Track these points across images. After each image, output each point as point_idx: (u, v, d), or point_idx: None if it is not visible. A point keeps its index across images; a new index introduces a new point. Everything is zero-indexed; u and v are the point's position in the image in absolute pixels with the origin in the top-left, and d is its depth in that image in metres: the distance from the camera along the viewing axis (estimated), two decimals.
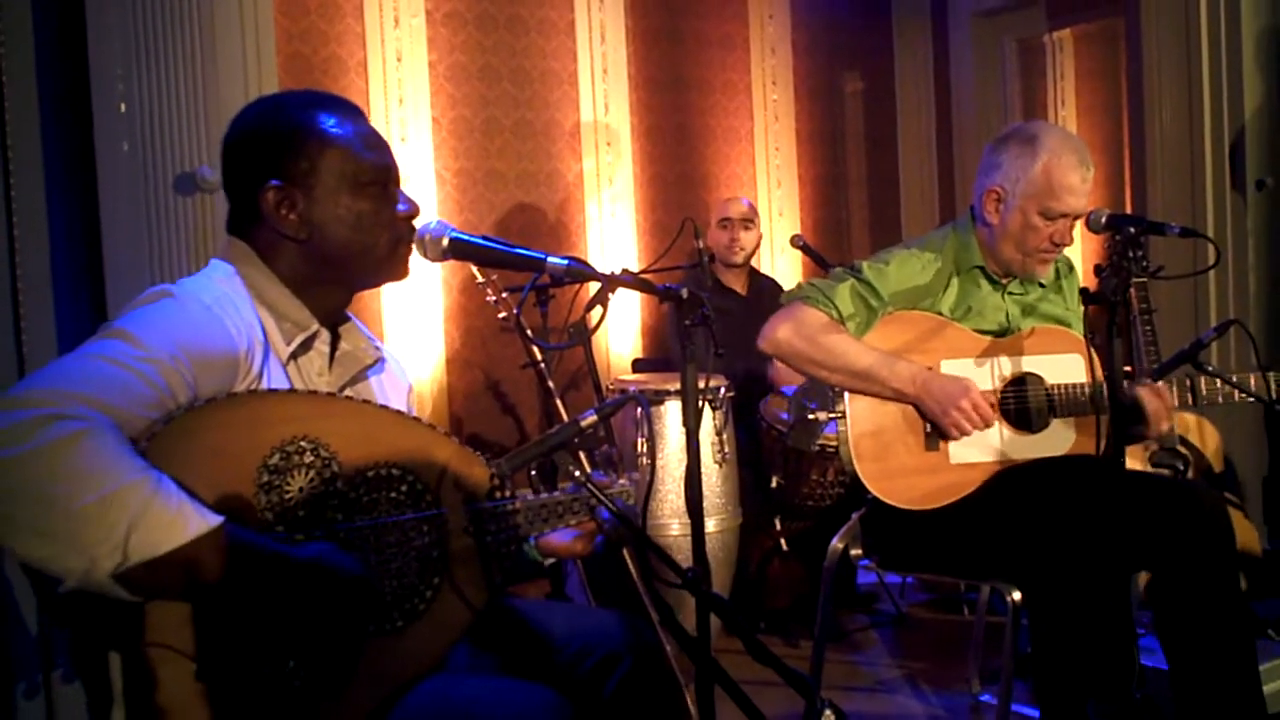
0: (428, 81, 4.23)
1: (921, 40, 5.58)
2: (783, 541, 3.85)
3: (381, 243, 1.68)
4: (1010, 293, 2.68)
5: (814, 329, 2.53)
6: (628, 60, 4.75)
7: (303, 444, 1.48)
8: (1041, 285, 2.72)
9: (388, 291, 4.11)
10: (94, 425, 1.29)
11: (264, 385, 1.56)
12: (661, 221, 4.83)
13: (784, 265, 5.13)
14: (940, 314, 2.62)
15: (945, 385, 2.47)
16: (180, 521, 1.29)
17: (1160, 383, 2.47)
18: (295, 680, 1.42)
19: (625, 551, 3.14)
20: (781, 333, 2.57)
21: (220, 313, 1.54)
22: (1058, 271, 2.76)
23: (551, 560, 1.89)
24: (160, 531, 1.28)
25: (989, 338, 2.60)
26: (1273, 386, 2.41)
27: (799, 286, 2.65)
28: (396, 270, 1.73)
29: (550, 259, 1.70)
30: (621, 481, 1.87)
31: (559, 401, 3.29)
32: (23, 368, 2.49)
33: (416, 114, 4.19)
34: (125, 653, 1.34)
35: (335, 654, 1.47)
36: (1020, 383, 2.56)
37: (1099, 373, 2.47)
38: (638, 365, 4.54)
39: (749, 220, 4.29)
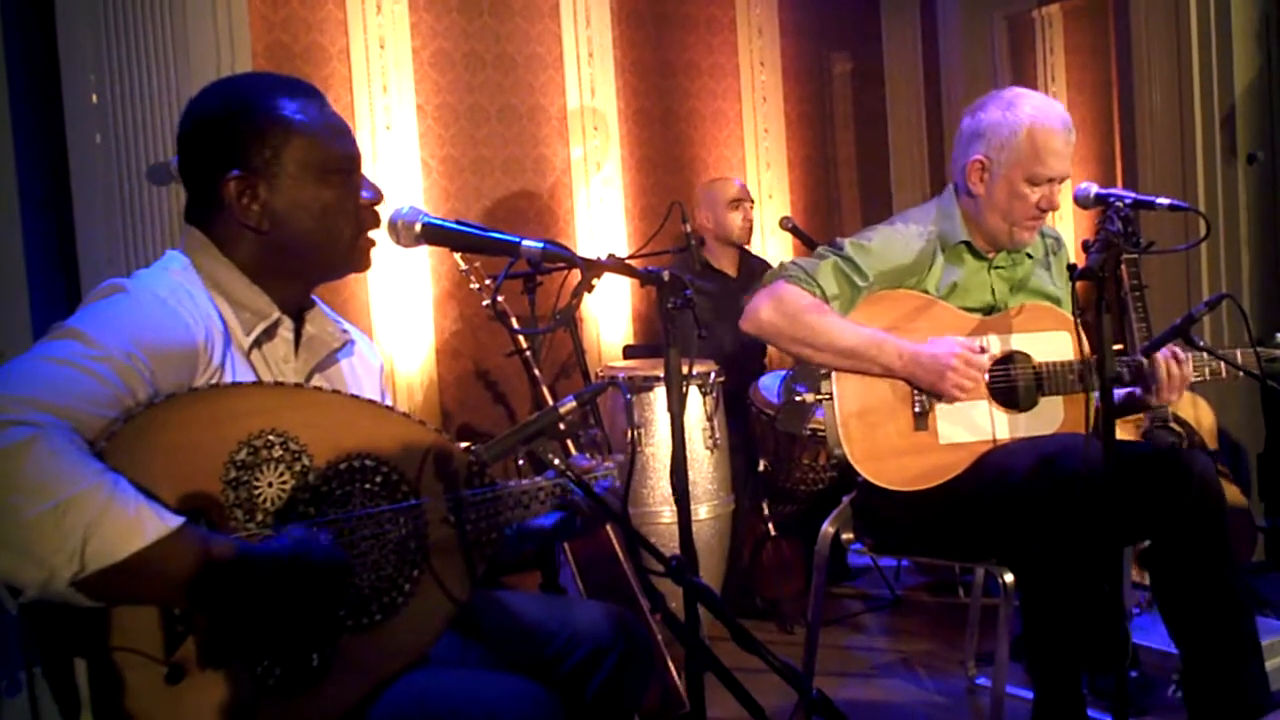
0: (411, 68, 4.19)
1: (909, 18, 5.53)
2: (770, 526, 3.82)
3: (346, 233, 1.64)
4: (996, 267, 2.65)
5: (797, 308, 2.50)
6: (613, 44, 4.70)
7: (271, 438, 1.44)
8: (1030, 256, 2.68)
9: (376, 281, 4.07)
10: (46, 430, 1.25)
11: (226, 377, 1.52)
12: (650, 205, 4.80)
13: (774, 247, 5.10)
14: (926, 292, 2.59)
15: (932, 352, 2.44)
16: (138, 525, 1.26)
17: (1186, 354, 2.44)
18: (269, 679, 1.39)
19: (614, 538, 3.12)
20: (764, 312, 2.53)
21: (176, 304, 1.50)
22: (1047, 248, 2.73)
23: (532, 545, 1.86)
24: (118, 537, 1.25)
25: (976, 316, 2.57)
26: (1264, 364, 2.38)
27: (781, 266, 2.61)
28: (358, 261, 1.68)
29: (525, 242, 1.66)
30: (606, 464, 1.85)
31: (545, 389, 3.26)
32: None
33: (401, 101, 4.15)
34: (91, 659, 1.31)
35: (310, 647, 1.43)
36: (1008, 361, 2.54)
37: (1086, 349, 2.45)
38: (629, 352, 4.51)
39: (751, 200, 4.31)
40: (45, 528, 1.22)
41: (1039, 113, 2.51)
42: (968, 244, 2.62)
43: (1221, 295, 2.29)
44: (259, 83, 1.66)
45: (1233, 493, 3.33)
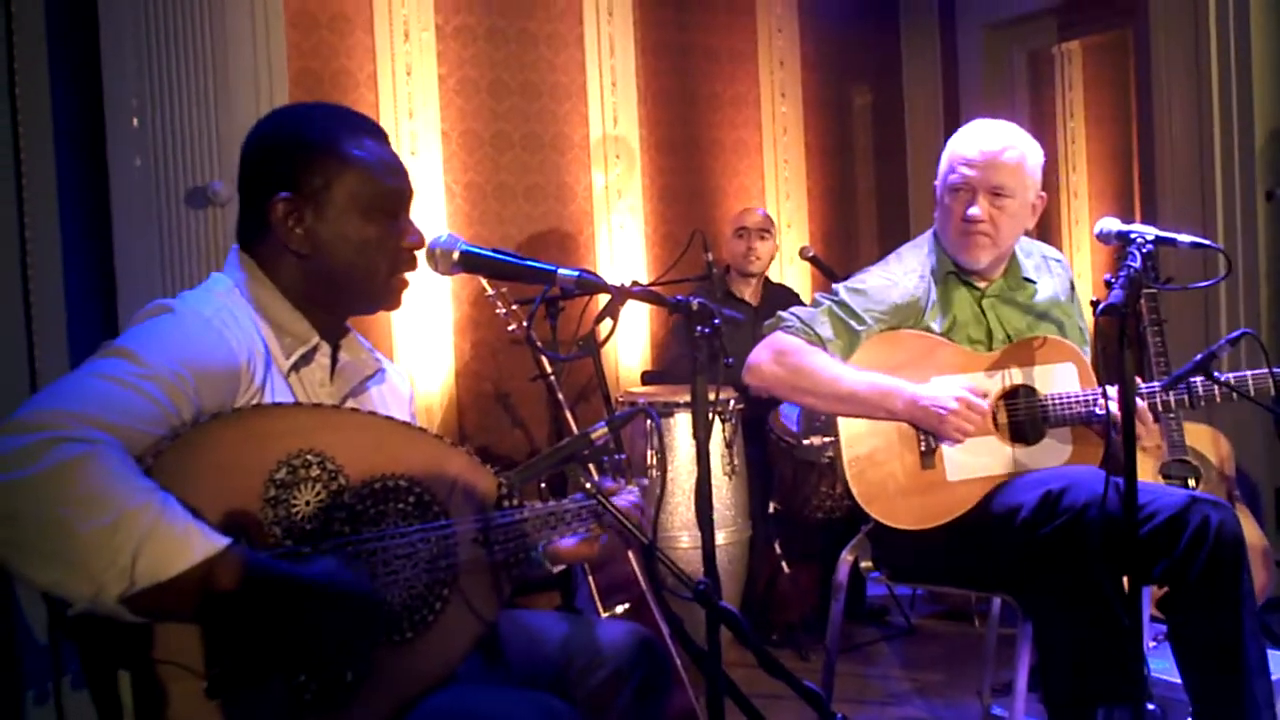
0: (437, 95, 4.25)
1: (930, 52, 5.57)
2: (784, 565, 3.85)
3: (382, 270, 1.67)
4: (988, 295, 2.64)
5: (797, 357, 2.50)
6: (637, 73, 4.75)
7: (309, 457, 1.48)
8: (1031, 281, 2.66)
9: None
10: (99, 447, 1.28)
11: (267, 397, 1.55)
12: (671, 234, 4.83)
13: (793, 277, 5.13)
14: (929, 328, 2.58)
15: (933, 395, 2.44)
16: (187, 544, 1.28)
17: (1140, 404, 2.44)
18: (305, 694, 1.42)
19: (634, 562, 3.14)
20: (765, 365, 2.54)
21: (220, 326, 1.53)
22: (1049, 267, 2.72)
23: (561, 567, 1.89)
24: (167, 555, 1.27)
25: (978, 352, 2.57)
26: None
27: (777, 317, 2.62)
28: (389, 300, 1.72)
29: (561, 271, 1.69)
30: (630, 488, 1.88)
31: (568, 414, 3.29)
32: (35, 382, 2.50)
33: (426, 127, 4.21)
34: (135, 671, 1.34)
35: (343, 668, 1.46)
36: (1014, 395, 2.53)
37: (1093, 381, 2.47)
38: (647, 377, 4.54)
39: (765, 230, 4.29)
40: (97, 543, 1.24)
41: (966, 130, 2.58)
42: (955, 274, 2.62)
43: (1242, 331, 2.30)
44: (326, 114, 1.70)
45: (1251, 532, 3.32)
